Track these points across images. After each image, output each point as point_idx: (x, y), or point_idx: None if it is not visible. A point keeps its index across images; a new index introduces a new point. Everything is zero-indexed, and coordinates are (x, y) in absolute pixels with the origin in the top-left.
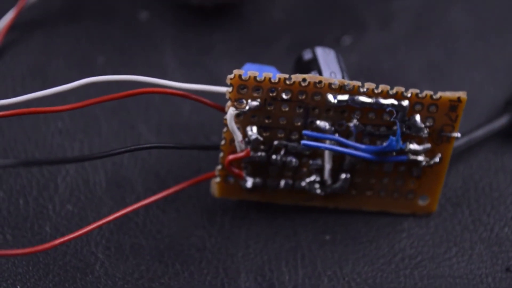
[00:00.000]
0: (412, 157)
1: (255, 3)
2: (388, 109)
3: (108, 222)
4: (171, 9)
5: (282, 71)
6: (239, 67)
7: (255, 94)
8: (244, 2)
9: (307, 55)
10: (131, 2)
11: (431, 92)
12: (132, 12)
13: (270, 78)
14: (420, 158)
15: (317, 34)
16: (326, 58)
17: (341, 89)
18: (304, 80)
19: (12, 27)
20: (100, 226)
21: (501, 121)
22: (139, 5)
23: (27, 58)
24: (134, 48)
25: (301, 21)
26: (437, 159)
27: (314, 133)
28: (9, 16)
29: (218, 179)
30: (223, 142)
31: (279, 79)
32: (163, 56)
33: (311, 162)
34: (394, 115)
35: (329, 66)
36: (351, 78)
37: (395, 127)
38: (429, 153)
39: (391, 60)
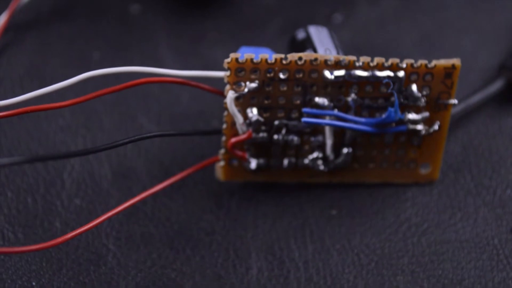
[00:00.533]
0: (411, 126)
1: None
2: (384, 81)
3: (117, 213)
4: (161, 0)
5: (276, 52)
6: (233, 52)
7: (253, 76)
8: None
9: (301, 35)
10: None
11: (425, 61)
12: (123, 6)
13: (266, 59)
14: (419, 127)
15: (308, 14)
16: (320, 35)
17: (337, 65)
18: (300, 58)
19: (6, 30)
20: (109, 218)
21: (496, 85)
22: None
23: (23, 60)
24: (128, 42)
25: (291, 2)
26: (436, 127)
27: (314, 110)
28: (2, 19)
29: (222, 163)
30: (224, 125)
31: (276, 59)
32: (157, 47)
33: (312, 139)
34: (391, 87)
35: (323, 43)
36: (346, 54)
37: (392, 98)
38: (427, 122)
39: (383, 34)
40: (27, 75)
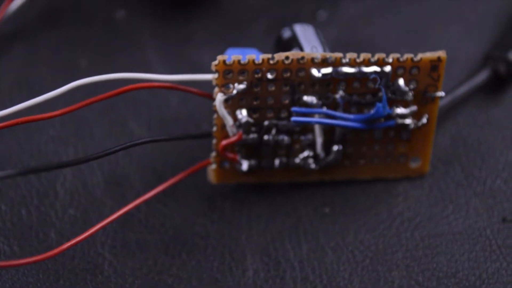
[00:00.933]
0: (400, 121)
1: None
2: (371, 76)
3: (111, 222)
4: (146, 5)
5: (263, 52)
6: (220, 53)
7: (241, 78)
8: None
9: (286, 34)
10: (106, 2)
11: (411, 55)
12: (109, 12)
13: (253, 60)
14: (408, 121)
15: (293, 12)
16: (305, 34)
17: (324, 63)
18: (287, 58)
19: None
20: (104, 227)
21: (482, 76)
22: (115, 4)
23: (11, 71)
24: (115, 48)
25: (276, 1)
26: (424, 120)
27: (303, 109)
28: None
29: (214, 166)
30: (214, 128)
31: (263, 59)
32: (144, 52)
33: (302, 138)
34: (378, 82)
35: (309, 41)
36: (332, 51)
37: (380, 94)
38: (416, 115)
39: (368, 29)
40: (15, 85)
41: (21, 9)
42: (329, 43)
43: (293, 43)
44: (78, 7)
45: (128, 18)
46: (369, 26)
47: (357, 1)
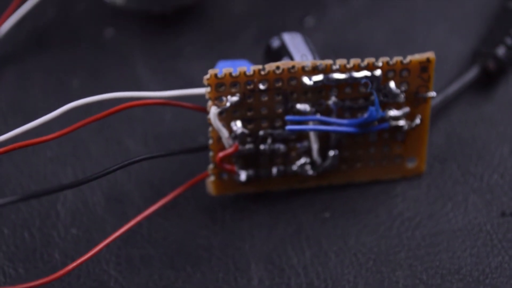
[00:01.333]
0: (394, 123)
1: (213, 0)
2: (362, 81)
3: (115, 239)
4: (134, 22)
5: (253, 61)
6: (210, 66)
7: (233, 90)
8: (203, 1)
9: (275, 43)
10: (94, 21)
11: (400, 58)
12: (97, 30)
13: (245, 72)
14: (402, 122)
15: (280, 19)
16: (294, 42)
17: (315, 70)
18: (278, 67)
19: None
20: (107, 245)
21: (472, 73)
22: (103, 22)
23: (3, 96)
24: (105, 66)
25: (262, 9)
26: (418, 121)
27: (296, 117)
28: None
29: (212, 178)
30: (210, 141)
31: (254, 71)
32: (135, 68)
33: (298, 145)
34: (370, 86)
35: (298, 49)
36: (322, 57)
37: (372, 97)
38: (409, 116)
39: (356, 32)
40: (9, 110)
41: (8, 34)
42: (318, 49)
43: (283, 52)
44: (65, 28)
45: (116, 36)
46: (357, 29)
47: (343, 6)
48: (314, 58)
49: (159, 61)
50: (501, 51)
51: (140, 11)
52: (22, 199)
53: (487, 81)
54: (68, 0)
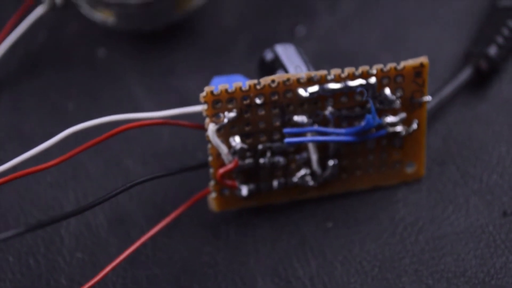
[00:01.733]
0: (391, 129)
1: (203, 15)
2: (358, 89)
3: (121, 262)
4: (126, 41)
5: (247, 74)
6: (203, 81)
7: (230, 106)
8: (192, 16)
9: (269, 56)
10: (86, 42)
11: (394, 64)
12: (89, 51)
13: (240, 87)
14: (399, 128)
15: (271, 30)
16: (288, 53)
17: (310, 81)
18: (273, 81)
19: None
20: (114, 268)
21: (465, 74)
22: (95, 43)
23: (0, 122)
24: (100, 86)
25: (252, 21)
26: (415, 126)
27: (294, 129)
28: None
29: (214, 194)
30: (210, 158)
31: (250, 86)
32: (129, 87)
33: (297, 157)
34: (365, 94)
35: (292, 61)
36: (315, 66)
37: (368, 105)
38: (406, 122)
39: (348, 39)
40: (6, 136)
41: (1, 60)
42: (311, 57)
43: (277, 64)
44: (57, 50)
45: (109, 56)
46: (348, 35)
47: (333, 12)
48: (308, 69)
49: (152, 79)
50: (492, 50)
51: (131, 30)
52: (27, 230)
53: (480, 81)
54: (58, 23)
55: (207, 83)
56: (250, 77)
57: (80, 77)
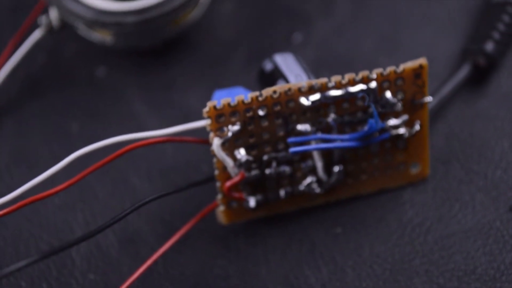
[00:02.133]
0: (394, 132)
1: (199, 29)
2: (359, 95)
3: (133, 281)
4: (125, 59)
5: (247, 85)
6: (204, 94)
7: (233, 119)
8: (189, 31)
9: (268, 66)
10: (85, 62)
11: (393, 68)
12: (89, 71)
13: (243, 100)
14: (402, 130)
15: (268, 39)
16: (287, 63)
17: (311, 90)
18: (274, 92)
19: None
20: None
21: (464, 71)
22: (94, 63)
23: (4, 147)
24: (102, 105)
25: (248, 31)
26: (417, 127)
27: (298, 138)
28: None
29: (222, 208)
30: (216, 172)
31: (252, 98)
32: (131, 104)
33: (303, 165)
34: (367, 99)
35: (292, 70)
36: (314, 73)
37: (370, 110)
38: (408, 124)
39: (345, 43)
40: (12, 161)
41: (2, 85)
42: (310, 64)
43: (277, 74)
44: (57, 72)
45: (109, 74)
46: (345, 40)
47: (328, 18)
48: (309, 77)
49: (153, 94)
50: (489, 46)
51: (129, 48)
52: (41, 258)
53: (479, 78)
54: (57, 45)
55: (207, 95)
56: (250, 88)
57: (82, 97)
